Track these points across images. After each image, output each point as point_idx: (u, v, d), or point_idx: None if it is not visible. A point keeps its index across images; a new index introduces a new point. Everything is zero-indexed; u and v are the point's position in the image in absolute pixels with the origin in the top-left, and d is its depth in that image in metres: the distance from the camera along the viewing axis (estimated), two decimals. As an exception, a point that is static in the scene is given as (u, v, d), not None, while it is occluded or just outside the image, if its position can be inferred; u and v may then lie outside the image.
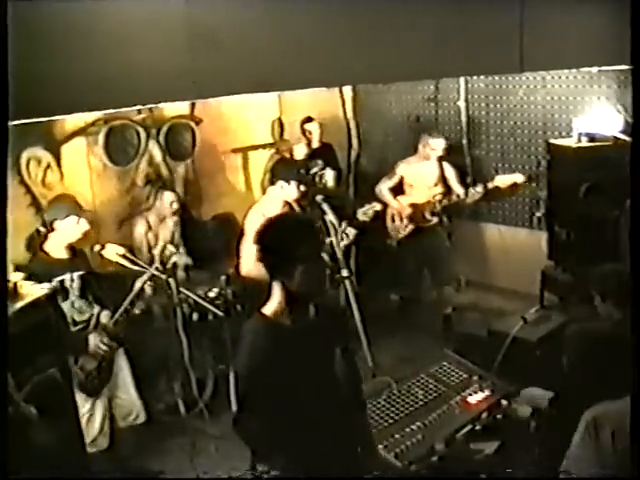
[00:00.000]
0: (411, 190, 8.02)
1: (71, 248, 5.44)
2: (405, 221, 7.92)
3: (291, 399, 3.09)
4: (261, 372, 3.08)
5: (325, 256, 3.28)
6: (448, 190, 7.94)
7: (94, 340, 5.25)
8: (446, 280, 8.15)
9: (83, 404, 5.10)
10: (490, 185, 7.51)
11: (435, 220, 7.80)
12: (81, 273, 5.30)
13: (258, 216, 6.34)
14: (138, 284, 5.44)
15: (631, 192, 3.29)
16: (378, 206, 6.81)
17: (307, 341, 3.20)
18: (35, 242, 5.47)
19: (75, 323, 5.24)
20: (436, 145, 7.84)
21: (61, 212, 5.34)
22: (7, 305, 3.23)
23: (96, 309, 5.38)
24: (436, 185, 7.94)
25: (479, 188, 7.52)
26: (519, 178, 7.46)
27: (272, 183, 6.74)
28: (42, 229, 5.37)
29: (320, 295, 3.33)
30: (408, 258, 8.08)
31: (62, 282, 5.14)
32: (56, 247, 5.35)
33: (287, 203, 6.47)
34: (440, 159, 7.93)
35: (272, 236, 3.21)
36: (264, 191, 7.98)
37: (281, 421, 3.11)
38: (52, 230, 5.31)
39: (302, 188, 6.30)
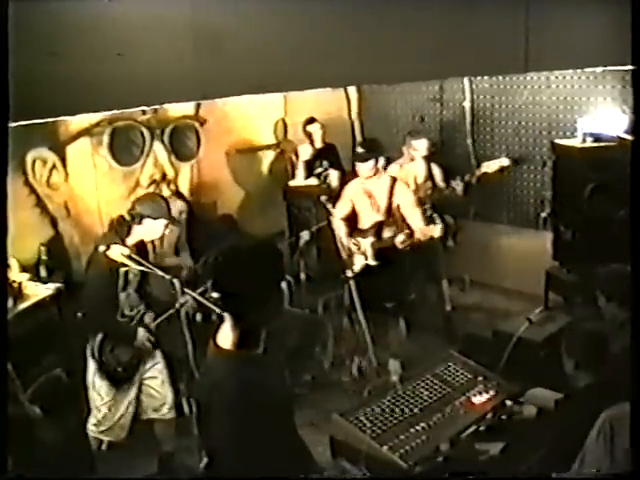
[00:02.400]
0: None
1: (140, 244, 5.40)
2: None
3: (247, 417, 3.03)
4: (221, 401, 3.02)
5: (284, 285, 3.17)
6: (435, 186, 8.07)
7: (142, 334, 5.29)
8: (449, 280, 8.17)
9: (107, 392, 5.13)
10: (478, 172, 7.58)
11: (428, 213, 7.83)
12: (142, 269, 5.30)
13: None
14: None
15: (631, 192, 3.29)
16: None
17: (260, 367, 3.14)
18: (122, 229, 5.43)
19: (122, 315, 5.25)
20: (419, 146, 7.95)
21: (155, 211, 5.29)
22: (7, 305, 3.23)
23: (142, 307, 5.40)
24: (425, 182, 8.05)
25: (467, 177, 7.58)
26: (505, 162, 7.51)
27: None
28: (128, 217, 5.35)
29: (274, 324, 3.20)
30: (411, 258, 8.09)
31: (126, 273, 5.17)
32: (130, 239, 5.32)
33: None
34: (426, 158, 8.02)
35: (226, 269, 3.10)
36: (269, 192, 8.04)
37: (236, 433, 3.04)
38: (140, 224, 5.29)
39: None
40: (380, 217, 6.97)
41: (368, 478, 3.68)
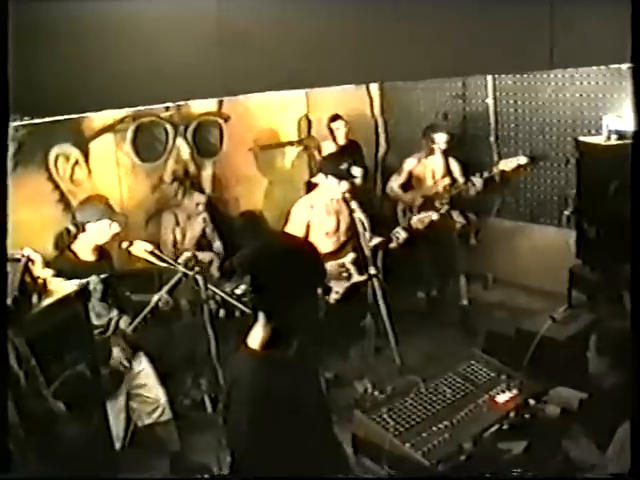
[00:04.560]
0: (419, 184, 8.13)
1: (98, 249, 5.42)
2: (416, 212, 7.96)
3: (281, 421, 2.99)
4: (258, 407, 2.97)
5: (319, 291, 3.10)
6: (454, 182, 8.05)
7: (117, 354, 5.28)
8: (470, 276, 8.17)
9: None
10: (495, 170, 7.60)
11: (446, 208, 7.79)
12: (105, 276, 5.30)
13: (306, 209, 6.34)
14: (155, 297, 5.49)
15: (632, 191, 3.26)
16: (435, 216, 6.79)
17: (294, 370, 3.06)
18: (64, 241, 5.46)
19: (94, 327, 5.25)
20: (439, 139, 7.96)
21: (93, 214, 5.30)
22: (7, 304, 3.24)
23: (114, 314, 5.39)
24: (443, 177, 8.05)
25: (485, 174, 7.57)
26: (523, 160, 7.59)
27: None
28: (72, 229, 5.37)
29: (309, 330, 3.15)
30: (432, 255, 8.08)
31: (86, 285, 5.13)
32: (84, 248, 5.34)
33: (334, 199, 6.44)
34: (444, 152, 8.04)
35: (266, 268, 3.00)
36: (292, 188, 8.03)
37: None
38: (83, 230, 5.30)
39: (347, 185, 6.22)
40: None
41: (395, 479, 3.66)
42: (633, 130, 3.81)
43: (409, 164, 8.11)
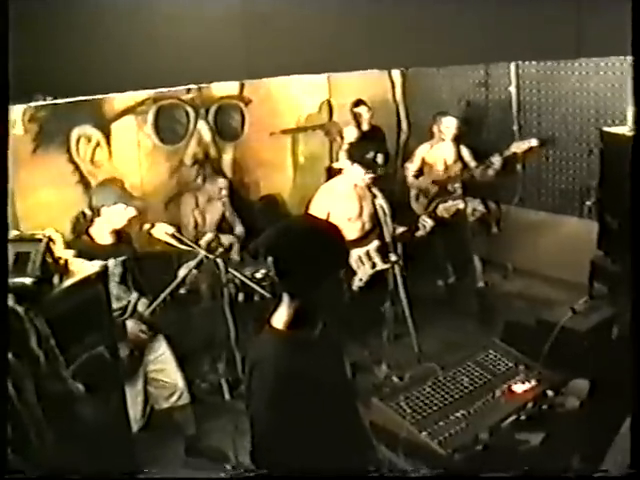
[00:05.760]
0: (431, 170, 8.14)
1: (116, 233, 5.42)
2: (429, 197, 7.98)
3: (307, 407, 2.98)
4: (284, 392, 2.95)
5: (342, 273, 3.09)
6: (465, 166, 8.09)
7: (132, 327, 5.30)
8: (487, 262, 8.18)
9: None
10: (507, 153, 7.60)
11: (458, 193, 7.79)
12: (123, 259, 5.32)
13: (329, 194, 6.35)
14: (182, 271, 5.46)
15: (632, 191, 3.24)
16: (462, 204, 6.79)
17: (318, 352, 3.05)
18: (80, 224, 5.46)
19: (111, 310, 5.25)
20: (449, 123, 7.99)
21: (109, 198, 5.28)
22: (7, 303, 3.25)
23: (134, 296, 5.40)
24: (455, 162, 8.09)
25: (496, 157, 7.56)
26: (534, 142, 7.63)
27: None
28: (88, 212, 5.37)
29: (333, 312, 3.16)
30: (451, 243, 8.08)
31: (106, 266, 5.14)
32: (101, 232, 5.34)
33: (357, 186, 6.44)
34: (455, 138, 8.04)
35: (289, 249, 2.98)
36: (313, 173, 8.03)
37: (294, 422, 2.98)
38: (98, 215, 5.30)
39: (372, 174, 6.22)
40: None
41: (428, 477, 3.67)
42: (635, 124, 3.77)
43: (421, 150, 8.14)
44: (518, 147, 7.63)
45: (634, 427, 3.01)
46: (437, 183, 7.95)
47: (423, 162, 8.15)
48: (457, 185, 7.77)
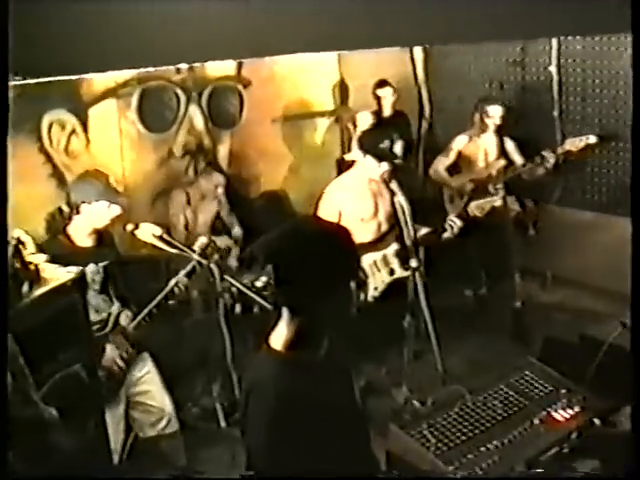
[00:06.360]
0: (469, 166, 8.12)
1: (97, 233, 5.40)
2: (465, 199, 7.90)
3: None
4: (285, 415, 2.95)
5: (352, 285, 3.06)
6: (510, 163, 8.07)
7: (111, 352, 5.25)
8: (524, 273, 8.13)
9: None
10: (560, 150, 7.52)
11: (501, 195, 7.75)
12: (104, 264, 5.30)
13: (339, 191, 6.34)
14: (173, 281, 5.45)
15: (631, 190, 3.23)
16: (498, 201, 6.74)
17: (324, 374, 3.04)
18: (56, 223, 5.43)
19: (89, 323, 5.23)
20: (494, 113, 7.95)
21: (90, 194, 5.26)
22: (7, 304, 3.24)
23: (115, 307, 5.39)
24: (497, 158, 8.07)
25: (549, 153, 7.51)
26: (592, 139, 7.55)
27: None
28: (66, 209, 5.33)
29: (341, 329, 3.15)
30: (482, 247, 8.04)
31: (82, 274, 5.12)
32: (80, 232, 5.32)
33: (372, 181, 6.43)
34: (499, 129, 8.02)
35: (292, 256, 2.96)
36: (321, 166, 8.01)
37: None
38: (77, 212, 5.28)
39: (388, 166, 6.20)
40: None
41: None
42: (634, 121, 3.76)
43: (459, 143, 8.05)
44: (573, 144, 7.54)
45: (634, 427, 3.00)
46: (476, 182, 7.89)
47: (459, 156, 8.09)
48: (499, 186, 7.70)
